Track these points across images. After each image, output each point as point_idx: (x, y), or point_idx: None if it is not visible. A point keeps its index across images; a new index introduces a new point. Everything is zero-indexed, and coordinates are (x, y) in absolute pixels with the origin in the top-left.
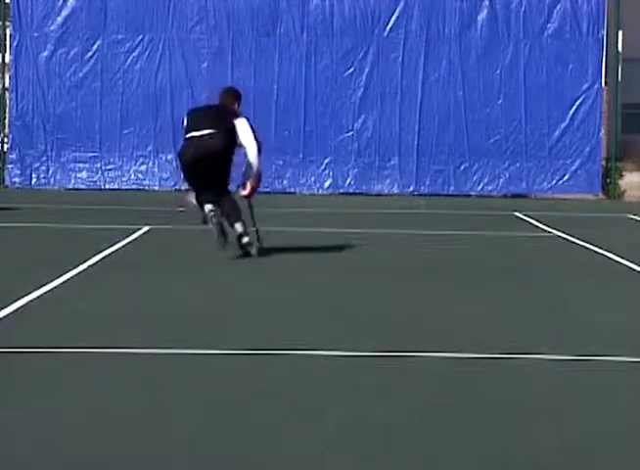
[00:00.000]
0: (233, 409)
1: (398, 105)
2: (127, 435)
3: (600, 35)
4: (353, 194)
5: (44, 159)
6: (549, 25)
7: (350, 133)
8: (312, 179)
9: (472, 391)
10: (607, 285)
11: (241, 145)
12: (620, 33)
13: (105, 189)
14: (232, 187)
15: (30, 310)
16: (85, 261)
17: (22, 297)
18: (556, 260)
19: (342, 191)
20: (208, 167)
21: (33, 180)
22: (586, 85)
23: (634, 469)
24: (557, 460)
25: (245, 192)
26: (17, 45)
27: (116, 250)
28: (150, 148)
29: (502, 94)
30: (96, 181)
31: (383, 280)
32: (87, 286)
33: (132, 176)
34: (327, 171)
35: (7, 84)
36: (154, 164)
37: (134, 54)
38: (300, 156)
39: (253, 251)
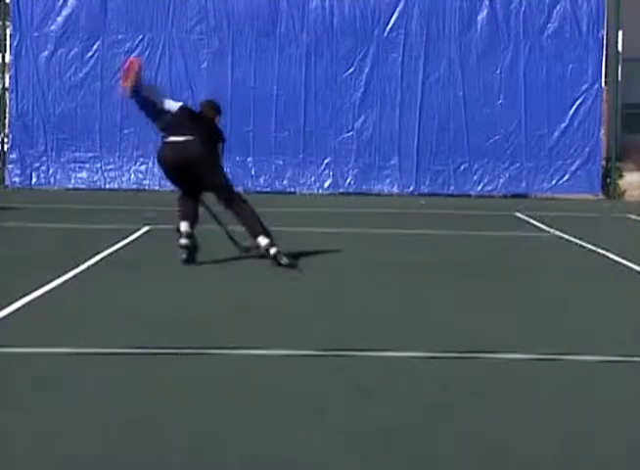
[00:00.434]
0: (233, 409)
1: (398, 105)
2: (127, 435)
3: (600, 35)
4: (353, 194)
5: (44, 159)
6: (549, 25)
7: (350, 133)
8: (312, 179)
9: (472, 391)
10: (607, 285)
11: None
12: (620, 33)
13: (105, 189)
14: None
15: (30, 310)
16: (85, 261)
17: (23, 297)
18: (556, 260)
19: (342, 191)
20: (189, 172)
21: (33, 180)
22: (586, 85)
23: (634, 469)
24: (557, 460)
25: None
26: (17, 45)
27: (117, 250)
28: (150, 148)
29: (502, 94)
30: (96, 181)
31: (383, 280)
32: (87, 286)
33: (132, 176)
34: (327, 171)
35: (7, 84)
36: (154, 164)
37: (134, 54)
38: (300, 156)
39: (284, 260)
